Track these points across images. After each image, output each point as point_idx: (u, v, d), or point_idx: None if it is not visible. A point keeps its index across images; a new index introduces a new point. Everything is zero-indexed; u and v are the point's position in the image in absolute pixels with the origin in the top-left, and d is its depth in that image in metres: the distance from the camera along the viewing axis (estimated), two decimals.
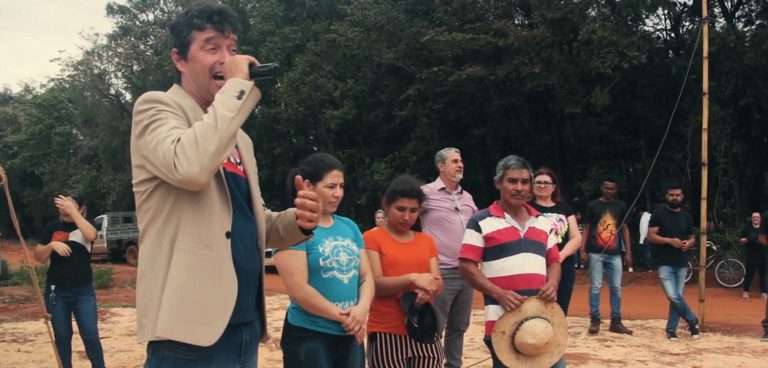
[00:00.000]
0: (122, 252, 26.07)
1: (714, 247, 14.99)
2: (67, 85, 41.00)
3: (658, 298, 12.64)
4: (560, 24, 19.21)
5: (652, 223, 8.63)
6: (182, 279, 2.04)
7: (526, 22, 20.60)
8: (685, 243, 8.12)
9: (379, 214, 12.09)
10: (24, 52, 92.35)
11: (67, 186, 36.20)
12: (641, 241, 16.92)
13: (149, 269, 2.07)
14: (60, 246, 5.99)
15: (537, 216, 4.17)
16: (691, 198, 17.46)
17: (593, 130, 21.58)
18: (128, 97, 34.60)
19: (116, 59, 32.26)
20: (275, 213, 2.53)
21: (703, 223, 8.78)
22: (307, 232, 2.36)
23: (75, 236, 6.15)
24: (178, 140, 1.93)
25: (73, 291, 6.10)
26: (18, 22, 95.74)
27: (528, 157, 22.60)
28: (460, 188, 5.73)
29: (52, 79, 43.91)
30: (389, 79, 23.14)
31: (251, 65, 2.11)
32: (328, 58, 23.84)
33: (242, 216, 2.23)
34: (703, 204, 8.68)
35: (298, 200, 2.24)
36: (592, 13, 20.38)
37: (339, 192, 3.37)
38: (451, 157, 5.68)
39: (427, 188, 5.35)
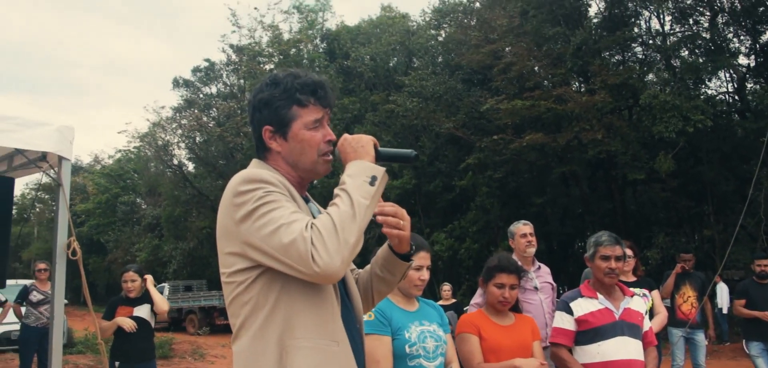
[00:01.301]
0: (182, 320, 26.30)
1: None
2: (132, 156, 42.38)
3: None
4: (620, 89, 19.06)
5: (738, 296, 8.26)
6: None
7: (585, 88, 20.50)
8: None
9: (445, 287, 11.91)
10: (96, 126, 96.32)
11: (129, 255, 37.06)
12: (724, 311, 16.25)
13: None
14: (126, 322, 6.04)
15: (632, 296, 3.98)
16: None
17: (657, 196, 21.09)
18: (190, 167, 35.48)
19: (179, 131, 33.18)
20: (364, 269, 2.32)
21: None
22: (407, 256, 2.16)
23: (140, 311, 6.20)
24: (311, 227, 1.74)
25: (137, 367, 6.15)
26: (91, 97, 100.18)
27: (589, 225, 22.27)
28: (537, 264, 5.45)
29: (119, 150, 45.44)
30: (448, 149, 23.19)
31: (375, 147, 1.98)
32: (387, 128, 24.08)
33: (344, 303, 2.04)
34: None
35: (379, 217, 2.02)
36: (653, 77, 20.22)
37: (425, 274, 3.25)
38: (519, 231, 5.42)
39: None
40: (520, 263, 5.27)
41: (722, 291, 16.23)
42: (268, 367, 1.83)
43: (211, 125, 31.73)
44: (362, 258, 2.27)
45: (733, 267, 17.37)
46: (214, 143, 30.93)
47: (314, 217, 1.87)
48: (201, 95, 34.55)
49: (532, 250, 5.38)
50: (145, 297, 6.40)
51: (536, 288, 5.25)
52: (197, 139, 32.66)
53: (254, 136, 2.09)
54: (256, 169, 1.96)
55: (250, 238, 1.81)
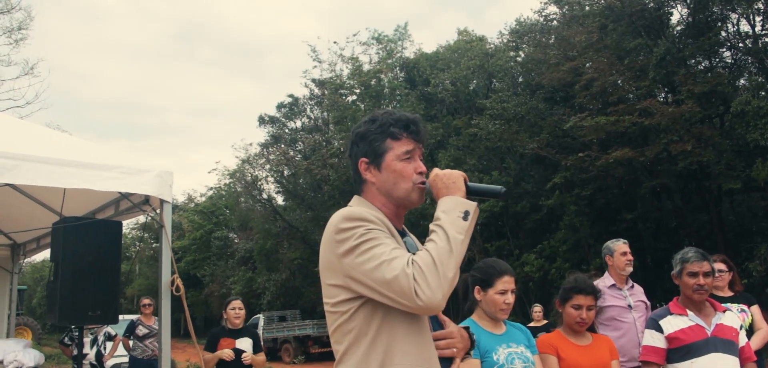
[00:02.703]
0: (277, 350, 26.88)
1: None
2: (223, 193, 43.93)
3: None
4: (709, 97, 18.46)
5: None
6: None
7: (672, 99, 19.96)
8: None
9: (537, 308, 11.86)
10: (188, 166, 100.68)
11: (225, 288, 38.25)
12: None
13: None
14: (226, 353, 6.27)
15: (724, 311, 3.94)
16: None
17: (756, 205, 20.20)
18: (280, 200, 36.35)
19: (268, 166, 34.14)
20: None
21: None
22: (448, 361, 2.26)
23: (241, 343, 6.41)
24: (413, 263, 1.87)
25: None
26: (182, 139, 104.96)
27: (684, 239, 21.51)
28: (631, 282, 5.43)
29: (211, 188, 47.25)
30: (534, 169, 23.00)
31: (465, 181, 2.09)
32: (470, 152, 24.09)
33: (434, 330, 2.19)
34: None
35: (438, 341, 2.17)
36: (744, 82, 19.48)
37: (510, 298, 3.34)
38: (619, 249, 5.41)
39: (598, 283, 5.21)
40: (614, 282, 5.31)
41: None
42: None
43: (297, 159, 32.53)
44: None
45: None
46: (302, 176, 31.65)
47: (410, 250, 2.05)
48: (286, 130, 35.47)
49: (630, 269, 5.38)
50: (246, 330, 6.64)
51: (630, 307, 5.22)
52: (285, 172, 33.52)
53: (352, 170, 2.26)
54: (356, 207, 2.12)
55: (352, 272, 1.95)
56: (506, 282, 3.35)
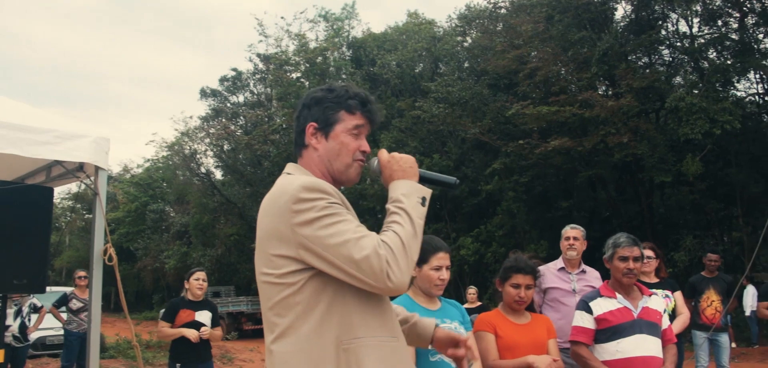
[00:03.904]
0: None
1: None
2: (160, 166, 43.00)
3: None
4: (646, 92, 18.98)
5: (761, 297, 8.24)
6: None
7: (612, 92, 20.42)
8: None
9: (471, 290, 12.02)
10: (125, 136, 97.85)
11: (158, 262, 37.54)
12: (747, 313, 16.13)
13: None
14: (192, 334, 6.18)
15: (650, 295, 4.06)
16: None
17: (685, 199, 20.91)
18: (218, 175, 35.92)
19: (207, 140, 33.59)
20: (404, 313, 2.47)
21: None
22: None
23: (201, 316, 6.34)
24: (385, 245, 1.86)
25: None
26: (121, 109, 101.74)
27: (616, 228, 22.06)
28: (582, 267, 5.54)
29: (148, 160, 46.15)
30: (474, 154, 23.23)
31: None
32: (413, 134, 24.19)
33: None
34: None
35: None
36: (679, 80, 20.07)
37: (445, 274, 3.35)
38: (564, 234, 5.59)
39: (545, 267, 5.30)
40: (564, 265, 5.41)
41: (750, 294, 16.07)
42: (324, 366, 1.90)
43: (238, 134, 32.10)
44: None
45: (763, 270, 17.18)
46: (242, 151, 31.28)
47: None
48: (228, 104, 35.00)
49: (573, 254, 5.48)
50: (206, 303, 6.56)
51: (574, 291, 5.34)
52: (225, 147, 33.07)
53: (296, 131, 2.21)
54: (311, 178, 2.05)
55: (311, 244, 1.89)
56: (441, 259, 3.35)
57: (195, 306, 6.37)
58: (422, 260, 3.34)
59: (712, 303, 8.22)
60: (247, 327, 24.85)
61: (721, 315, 8.18)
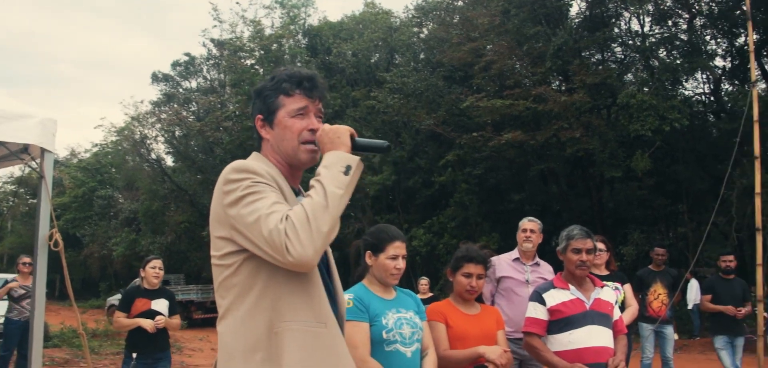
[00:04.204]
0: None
1: (765, 314, 14.63)
2: (109, 151, 42.03)
3: (707, 367, 12.35)
4: (599, 89, 19.26)
5: (704, 291, 8.47)
6: (302, 361, 1.91)
7: (565, 87, 20.68)
8: (740, 311, 7.94)
9: (423, 281, 12.03)
10: (73, 120, 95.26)
11: (106, 249, 36.76)
12: (690, 307, 16.57)
13: (241, 352, 1.91)
14: (148, 324, 6.01)
15: (602, 286, 4.11)
16: (739, 265, 17.10)
17: (633, 195, 21.34)
18: (169, 162, 35.31)
19: (158, 125, 33.00)
20: None
21: (760, 291, 8.60)
22: None
23: (157, 305, 6.18)
24: (286, 218, 1.82)
25: (154, 358, 6.14)
26: (69, 91, 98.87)
27: (566, 222, 22.35)
28: (536, 259, 5.65)
29: (96, 145, 45.04)
30: (428, 145, 23.28)
31: (352, 137, 2.06)
32: (367, 124, 24.12)
33: (328, 288, 2.12)
34: (759, 271, 8.51)
35: None
36: (631, 77, 20.44)
37: (401, 263, 3.35)
38: (521, 226, 5.69)
39: (499, 257, 5.35)
40: (519, 256, 5.47)
41: (693, 288, 16.51)
42: (258, 350, 1.90)
43: (190, 120, 31.61)
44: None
45: (706, 265, 17.64)
46: (194, 138, 30.80)
47: None
48: (181, 90, 34.41)
49: (529, 246, 5.58)
50: (163, 291, 6.40)
51: (527, 282, 5.43)
52: (176, 133, 32.49)
53: (254, 126, 2.21)
54: (248, 160, 2.06)
55: (236, 224, 1.90)
56: (397, 248, 3.34)
57: (151, 294, 6.22)
58: (378, 249, 3.34)
59: (658, 296, 8.40)
60: (196, 316, 24.57)
61: (666, 308, 8.38)
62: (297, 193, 2.17)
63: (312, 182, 1.93)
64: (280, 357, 1.90)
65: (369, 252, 3.39)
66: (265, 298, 1.92)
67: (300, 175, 2.23)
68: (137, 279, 6.57)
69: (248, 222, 1.87)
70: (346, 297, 3.16)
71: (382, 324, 3.21)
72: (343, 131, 2.04)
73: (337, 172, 1.91)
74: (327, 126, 2.08)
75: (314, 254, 1.82)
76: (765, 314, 14.18)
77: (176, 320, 6.37)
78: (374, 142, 2.14)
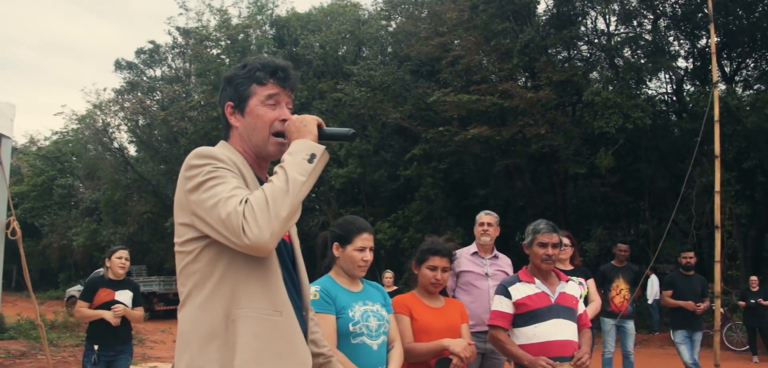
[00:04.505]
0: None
1: (721, 310, 14.99)
2: (70, 139, 41.20)
3: (666, 361, 12.59)
4: (564, 86, 19.47)
5: (665, 287, 8.62)
6: (256, 349, 1.89)
7: (531, 84, 20.86)
8: (699, 306, 8.10)
9: (387, 274, 12.04)
10: (33, 106, 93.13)
11: (66, 239, 36.10)
12: (650, 302, 16.88)
13: (197, 340, 1.90)
14: (110, 316, 5.88)
15: (567, 281, 4.14)
16: (698, 261, 17.48)
17: (596, 191, 21.67)
18: (132, 151, 34.80)
19: (121, 113, 32.49)
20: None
21: (718, 286, 8.78)
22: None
23: (121, 296, 6.05)
24: (246, 202, 1.81)
25: (116, 350, 6.01)
26: (29, 77, 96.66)
27: (530, 218, 22.61)
28: (495, 252, 5.69)
29: (57, 132, 44.07)
30: (394, 139, 23.29)
31: (319, 126, 2.04)
32: (333, 116, 24.03)
33: (291, 276, 2.12)
34: (717, 267, 8.67)
35: None
36: (596, 75, 20.69)
37: (368, 255, 3.34)
38: (479, 220, 5.71)
39: (459, 251, 5.36)
40: (477, 250, 5.49)
41: (653, 284, 16.82)
42: (215, 337, 1.89)
43: (154, 109, 31.16)
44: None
45: (666, 261, 17.99)
46: (158, 127, 30.42)
47: None
48: (145, 78, 33.89)
49: (487, 239, 5.61)
50: (127, 282, 6.27)
51: (487, 275, 5.47)
52: (140, 122, 32.02)
53: (221, 115, 2.18)
54: (215, 147, 2.04)
55: (197, 210, 1.89)
56: (365, 240, 3.33)
57: (115, 285, 6.08)
58: (346, 240, 3.32)
59: (620, 291, 8.54)
60: (158, 308, 24.26)
61: (628, 304, 8.52)
62: (262, 183, 2.11)
63: (275, 168, 1.92)
64: (234, 344, 1.88)
65: (336, 243, 3.36)
66: (224, 285, 1.91)
67: (267, 166, 2.21)
68: (101, 269, 6.43)
69: (207, 207, 1.85)
70: (313, 289, 3.14)
71: (349, 317, 3.20)
72: (310, 120, 2.03)
73: (301, 159, 1.91)
74: (295, 116, 2.07)
75: (271, 238, 1.80)
76: (722, 309, 14.57)
77: (139, 312, 6.25)
78: (340, 131, 2.13)
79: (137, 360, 12.74)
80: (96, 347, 5.94)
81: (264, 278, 1.95)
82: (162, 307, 24.25)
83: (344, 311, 3.20)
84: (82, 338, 7.66)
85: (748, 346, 14.02)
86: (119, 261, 6.15)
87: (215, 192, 1.85)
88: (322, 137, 2.04)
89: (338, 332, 3.16)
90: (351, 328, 3.18)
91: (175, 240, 2.00)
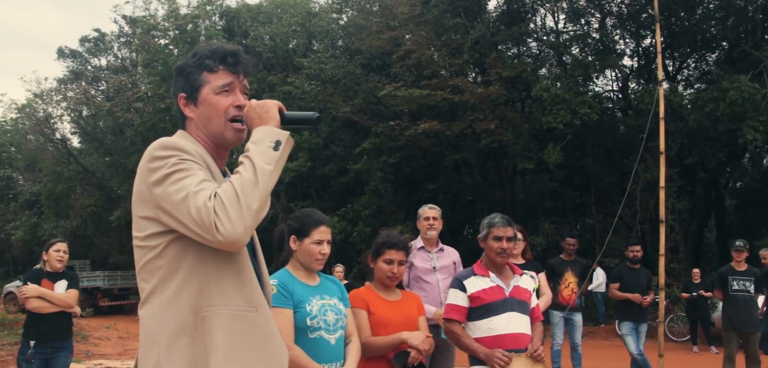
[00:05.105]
0: None
1: (666, 302, 15.42)
2: (9, 129, 39.90)
3: (612, 352, 12.89)
4: (514, 82, 19.71)
5: (613, 280, 8.82)
6: (232, 346, 1.85)
7: (481, 79, 21.05)
8: (645, 299, 8.32)
9: (338, 268, 12.03)
10: None
11: (4, 233, 34.99)
12: (593, 289, 17.25)
13: (164, 338, 1.84)
14: (50, 294, 5.76)
15: (521, 274, 4.17)
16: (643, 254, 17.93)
17: (544, 186, 22.02)
18: (75, 142, 33.93)
19: (64, 103, 31.61)
20: None
21: (662, 279, 9.01)
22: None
23: (59, 287, 5.89)
24: (215, 196, 1.76)
25: (54, 346, 5.84)
26: None
27: (479, 212, 22.87)
28: (440, 245, 5.73)
29: None
30: (344, 133, 23.23)
31: (281, 111, 2.00)
32: None
33: (255, 272, 2.07)
34: (662, 261, 8.88)
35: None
36: (545, 72, 21.03)
37: (326, 249, 3.31)
38: (423, 215, 5.72)
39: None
40: (423, 244, 5.51)
41: (598, 276, 17.19)
42: (183, 334, 1.84)
43: (99, 99, 30.40)
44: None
45: (611, 255, 18.40)
46: (103, 118, 29.63)
47: None
48: (89, 67, 32.98)
49: (433, 233, 5.64)
50: (65, 274, 6.10)
51: (434, 268, 5.52)
52: (84, 113, 31.20)
53: (175, 106, 2.14)
54: (174, 137, 1.99)
55: (162, 203, 1.83)
56: (322, 233, 3.30)
57: (53, 277, 5.94)
58: (303, 234, 3.29)
59: (569, 284, 8.70)
60: (103, 303, 23.75)
61: (576, 297, 8.69)
62: (224, 174, 2.10)
63: (241, 158, 1.87)
64: (208, 342, 1.84)
65: (293, 237, 3.33)
66: (191, 281, 1.86)
67: (226, 155, 2.16)
68: (40, 264, 6.26)
69: (175, 201, 1.80)
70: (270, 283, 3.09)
71: (306, 311, 3.17)
72: (271, 105, 1.99)
73: (267, 148, 1.86)
74: (254, 101, 2.02)
75: (244, 232, 1.77)
76: (665, 301, 14.99)
77: (70, 293, 6.02)
78: (303, 115, 2.10)
79: (80, 357, 12.44)
80: (32, 343, 5.78)
81: (237, 273, 1.92)
82: (106, 303, 23.75)
83: (302, 305, 3.17)
84: (19, 335, 7.42)
85: (688, 337, 14.47)
86: (57, 254, 6.01)
87: (183, 186, 1.81)
88: (285, 122, 2.00)
89: (296, 326, 3.13)
90: (309, 322, 3.15)
91: (136, 233, 1.93)
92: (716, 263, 19.92)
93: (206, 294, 1.86)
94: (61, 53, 32.44)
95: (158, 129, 23.57)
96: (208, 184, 1.83)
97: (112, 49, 32.72)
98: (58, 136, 32.90)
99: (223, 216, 1.74)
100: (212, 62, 2.04)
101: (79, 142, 33.73)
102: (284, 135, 1.91)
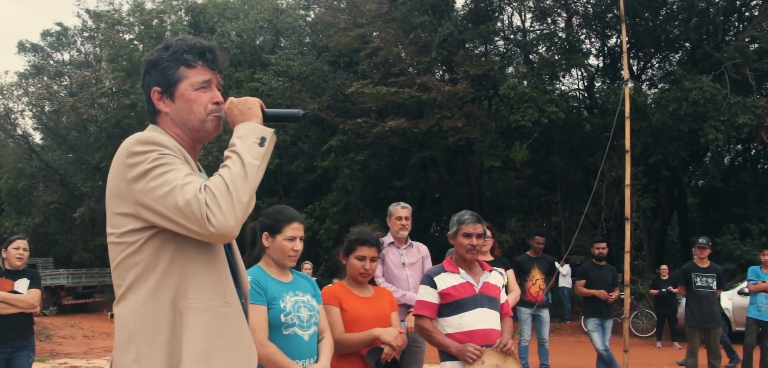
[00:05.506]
0: None
1: (631, 298, 15.65)
2: None
3: (577, 349, 13.06)
4: (481, 80, 19.84)
5: (579, 276, 8.92)
6: (204, 341, 1.84)
7: (449, 77, 21.15)
8: (611, 295, 8.44)
9: (306, 265, 12.00)
10: None
11: None
12: (559, 285, 17.42)
13: (143, 333, 1.83)
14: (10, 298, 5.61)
15: (490, 271, 4.20)
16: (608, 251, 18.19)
17: (511, 184, 22.20)
18: (37, 138, 33.33)
19: (25, 98, 31.04)
20: None
21: (628, 276, 9.16)
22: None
23: (20, 286, 5.74)
24: (205, 188, 1.77)
25: (15, 346, 5.69)
26: None
27: (445, 209, 22.99)
28: (409, 242, 5.77)
29: None
30: (312, 130, 23.19)
31: (261, 108, 2.00)
32: None
33: (232, 269, 2.07)
34: (627, 258, 9.02)
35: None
36: (512, 70, 21.21)
37: (298, 245, 3.31)
38: (395, 213, 5.73)
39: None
40: (393, 240, 5.54)
41: (565, 272, 17.38)
42: (162, 330, 1.83)
43: (62, 94, 29.95)
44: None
45: (576, 253, 18.62)
46: (66, 113, 29.23)
47: None
48: (51, 62, 32.52)
49: (405, 233, 5.69)
50: (26, 271, 5.93)
51: (404, 264, 5.58)
52: (46, 108, 30.70)
53: (145, 99, 2.08)
54: (149, 132, 1.97)
55: (143, 199, 1.81)
56: (295, 229, 3.29)
57: (13, 275, 5.79)
58: (275, 230, 3.28)
59: (536, 281, 8.78)
60: (66, 302, 23.36)
61: (543, 293, 8.78)
62: (199, 170, 2.08)
63: (227, 153, 1.87)
64: (182, 335, 1.83)
65: (266, 233, 3.31)
66: (170, 277, 1.85)
67: (199, 150, 2.15)
68: None
69: (159, 195, 1.78)
70: None
71: (280, 308, 3.16)
72: (253, 102, 1.98)
73: (252, 143, 1.87)
74: (234, 98, 2.01)
75: (236, 224, 1.78)
76: (631, 298, 15.22)
77: (32, 293, 5.89)
78: (287, 112, 2.10)
79: (44, 356, 12.23)
80: None
81: (212, 268, 1.91)
82: (70, 301, 23.37)
83: (275, 302, 3.16)
84: None
85: (652, 332, 14.71)
86: (16, 251, 5.87)
87: (167, 180, 1.79)
88: (268, 119, 2.00)
89: (270, 323, 3.12)
90: (282, 319, 3.15)
91: (111, 230, 1.90)
92: (679, 260, 20.29)
93: (183, 289, 1.86)
94: (22, 47, 31.92)
95: (123, 125, 23.26)
96: (194, 177, 1.83)
97: (75, 43, 32.32)
98: (19, 131, 32.35)
99: (216, 209, 1.75)
100: (191, 57, 2.01)
101: (42, 138, 33.21)
102: (269, 132, 1.92)
